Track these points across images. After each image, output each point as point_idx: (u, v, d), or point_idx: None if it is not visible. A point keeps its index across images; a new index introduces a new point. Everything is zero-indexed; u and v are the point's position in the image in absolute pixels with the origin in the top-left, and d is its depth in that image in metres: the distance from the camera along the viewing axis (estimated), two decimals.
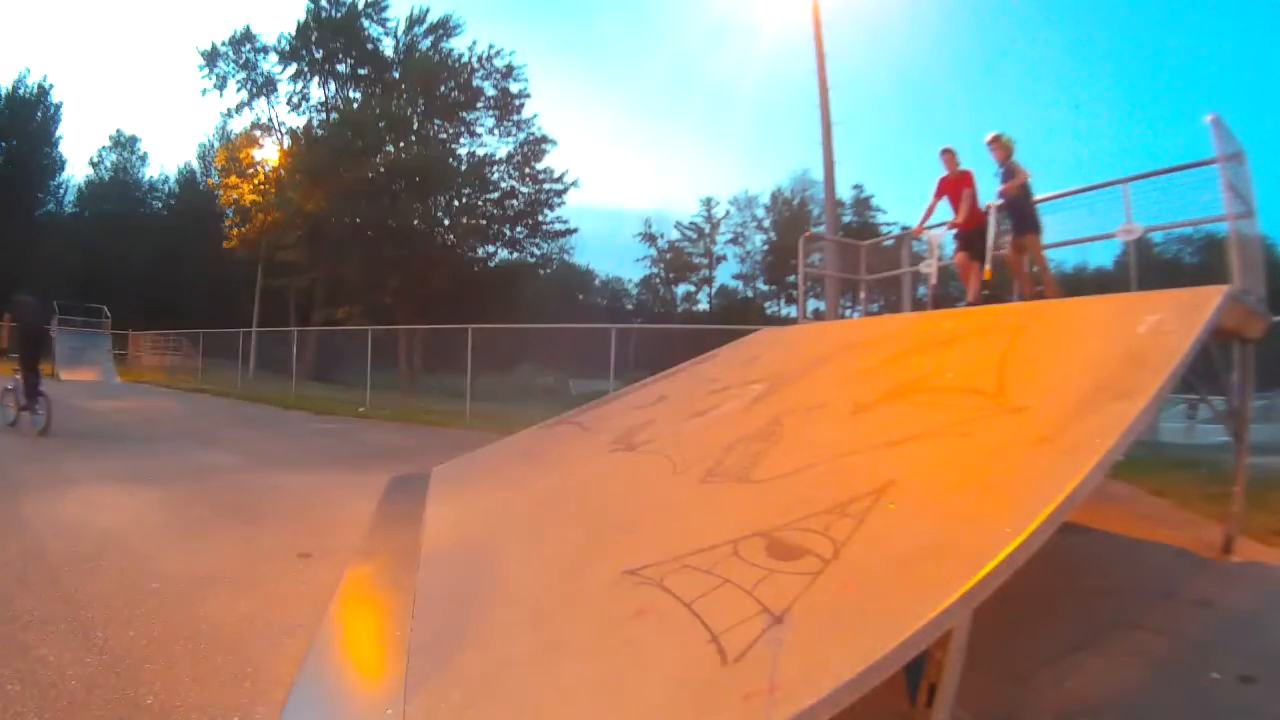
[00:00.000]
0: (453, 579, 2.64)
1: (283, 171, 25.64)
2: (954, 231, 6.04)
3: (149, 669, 2.19)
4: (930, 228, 6.51)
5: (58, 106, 35.70)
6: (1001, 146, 5.55)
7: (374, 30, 28.95)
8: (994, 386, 2.69)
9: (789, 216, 40.01)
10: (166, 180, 40.42)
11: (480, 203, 28.81)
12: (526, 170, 29.03)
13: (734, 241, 43.83)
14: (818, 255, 13.39)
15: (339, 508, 4.53)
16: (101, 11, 62.83)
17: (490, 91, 28.76)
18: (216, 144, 34.60)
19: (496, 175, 29.05)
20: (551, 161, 29.24)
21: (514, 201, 29.19)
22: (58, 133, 35.96)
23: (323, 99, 29.23)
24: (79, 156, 56.57)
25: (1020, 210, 5.51)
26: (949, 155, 5.99)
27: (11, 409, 7.51)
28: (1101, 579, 3.43)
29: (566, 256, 33.33)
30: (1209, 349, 3.68)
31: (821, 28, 11.74)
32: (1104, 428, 2.00)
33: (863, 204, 37.96)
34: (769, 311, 40.42)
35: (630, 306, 44.67)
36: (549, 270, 34.11)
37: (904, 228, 7.95)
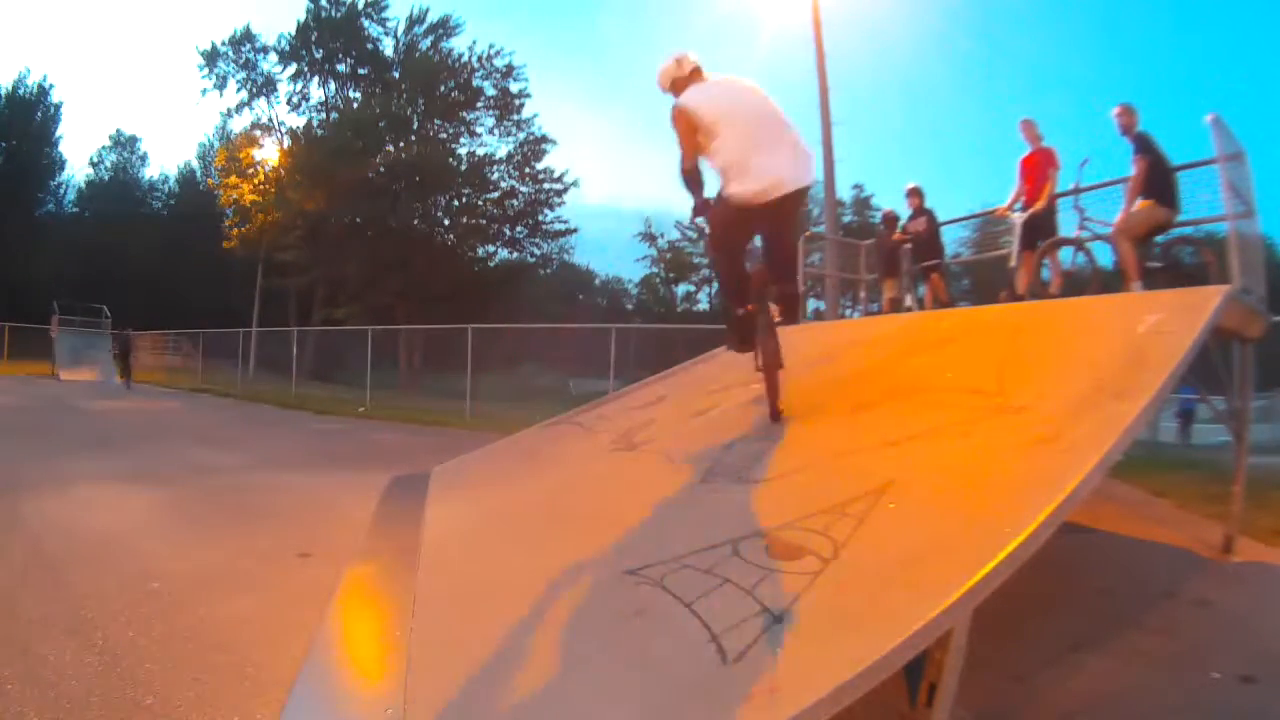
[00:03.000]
0: (453, 579, 2.63)
1: (283, 171, 25.64)
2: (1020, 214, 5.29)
3: (149, 669, 2.19)
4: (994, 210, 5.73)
5: (58, 106, 35.73)
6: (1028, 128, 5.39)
7: (374, 30, 29.03)
8: (994, 386, 2.69)
9: None
10: (166, 180, 40.44)
11: (480, 202, 28.85)
12: (526, 170, 29.07)
13: None
14: (818, 255, 13.38)
15: (339, 507, 4.53)
16: (101, 11, 62.90)
17: (490, 91, 28.81)
18: (216, 144, 34.55)
19: (496, 175, 29.11)
20: (551, 161, 29.31)
21: (514, 201, 29.23)
22: (58, 133, 35.99)
23: (323, 99, 29.31)
24: (79, 156, 56.59)
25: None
26: (1029, 127, 5.30)
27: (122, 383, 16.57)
28: (1101, 579, 3.43)
29: (566, 256, 33.35)
30: (1209, 349, 3.67)
31: (821, 28, 11.74)
32: (1104, 428, 2.00)
33: (863, 204, 37.89)
34: None
35: (630, 306, 44.56)
36: (549, 270, 34.14)
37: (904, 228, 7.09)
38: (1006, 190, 5.69)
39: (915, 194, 6.75)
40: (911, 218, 6.79)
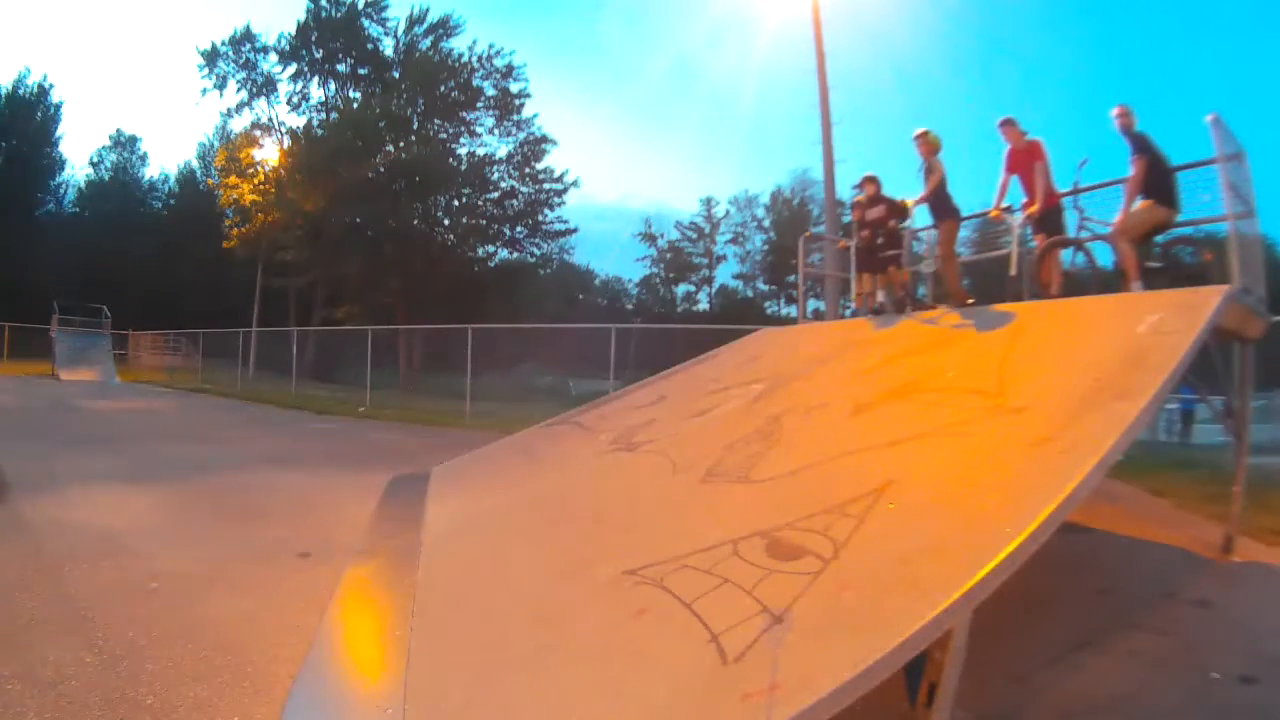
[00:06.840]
0: (453, 579, 2.64)
1: (283, 171, 25.62)
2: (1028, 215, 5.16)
3: (149, 669, 2.19)
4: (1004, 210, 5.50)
5: (58, 106, 35.70)
6: (927, 143, 5.38)
7: (374, 30, 28.95)
8: (994, 386, 2.69)
9: (789, 216, 39.94)
10: (166, 180, 40.39)
11: (480, 202, 28.81)
12: (526, 170, 29.01)
13: (734, 241, 43.80)
14: (818, 255, 13.38)
15: (339, 507, 4.53)
16: (101, 11, 62.86)
17: (490, 91, 28.73)
18: (216, 144, 34.55)
19: (496, 175, 29.04)
20: (551, 161, 29.24)
21: (514, 201, 29.17)
22: (58, 133, 35.96)
23: (323, 99, 29.23)
24: (79, 156, 56.44)
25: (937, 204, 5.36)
26: (1010, 126, 5.21)
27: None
28: (1101, 579, 3.43)
29: (566, 256, 33.27)
30: (1209, 349, 3.67)
31: (821, 27, 11.74)
32: (1104, 428, 2.00)
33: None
34: (769, 311, 40.37)
35: (630, 306, 44.57)
36: (549, 270, 34.06)
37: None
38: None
39: (870, 182, 6.24)
40: (866, 206, 6.17)
